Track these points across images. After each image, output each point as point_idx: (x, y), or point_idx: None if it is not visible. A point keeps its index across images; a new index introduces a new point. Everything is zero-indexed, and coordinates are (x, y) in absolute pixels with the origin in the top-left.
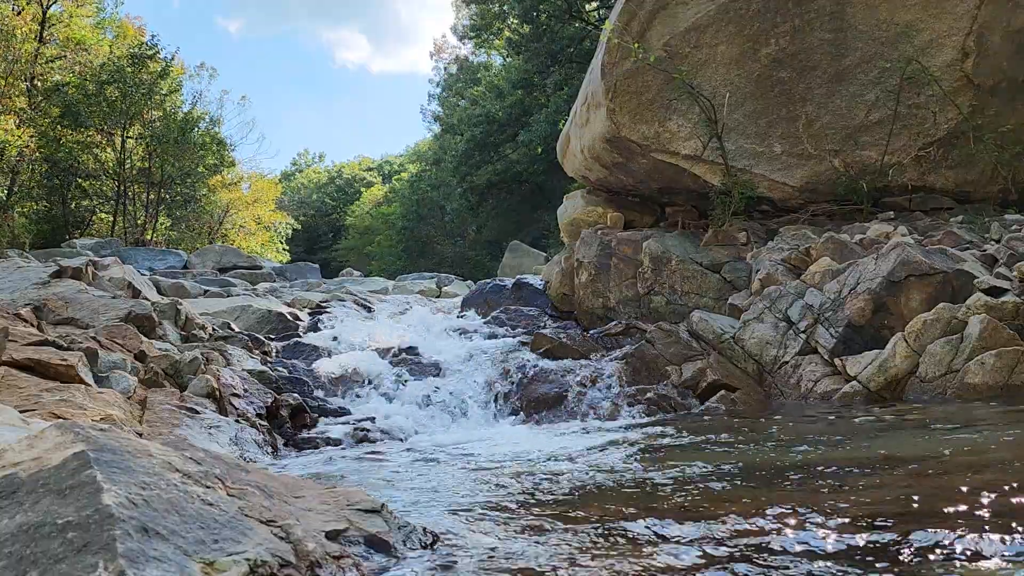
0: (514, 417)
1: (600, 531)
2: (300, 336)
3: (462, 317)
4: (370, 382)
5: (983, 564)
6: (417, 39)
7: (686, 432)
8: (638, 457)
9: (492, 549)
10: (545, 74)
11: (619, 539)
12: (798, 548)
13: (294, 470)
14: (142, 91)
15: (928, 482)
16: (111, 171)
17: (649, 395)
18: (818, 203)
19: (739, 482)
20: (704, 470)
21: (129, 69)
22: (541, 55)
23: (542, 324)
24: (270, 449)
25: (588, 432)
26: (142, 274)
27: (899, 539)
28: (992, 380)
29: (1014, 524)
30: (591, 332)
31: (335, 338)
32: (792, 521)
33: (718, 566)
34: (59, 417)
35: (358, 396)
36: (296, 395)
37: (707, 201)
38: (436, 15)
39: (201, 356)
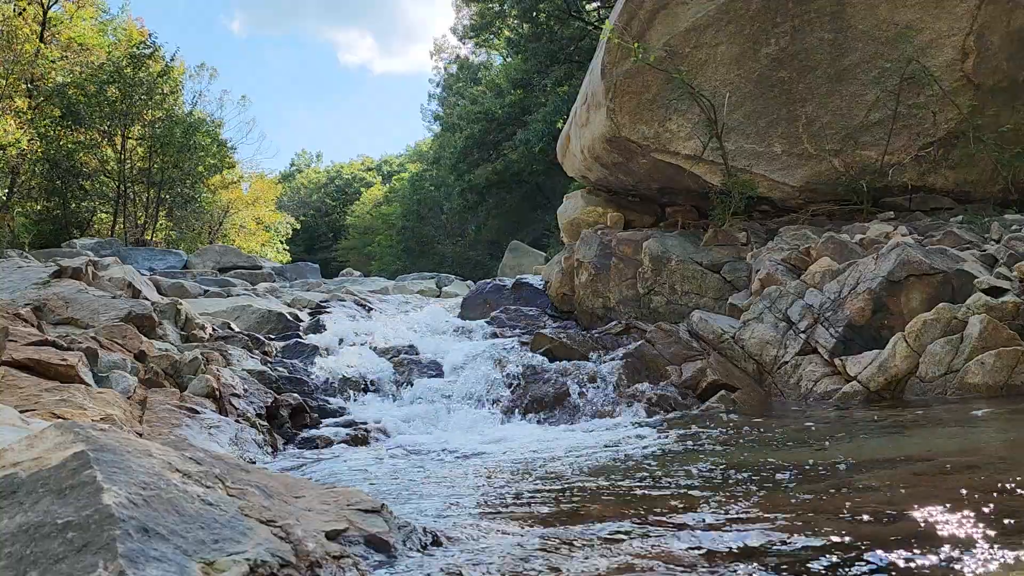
0: (513, 417)
1: (599, 530)
2: (300, 336)
3: (462, 317)
4: (370, 382)
5: (983, 564)
6: (421, 38)
7: (685, 432)
8: (638, 457)
9: (492, 548)
10: (545, 74)
11: (618, 538)
12: (797, 547)
13: (294, 470)
14: (142, 91)
15: (928, 482)
16: (111, 171)
17: (649, 395)
18: (818, 203)
19: (738, 482)
20: (703, 470)
21: (128, 69)
22: (540, 55)
23: (542, 324)
24: (270, 449)
25: (588, 432)
26: (142, 274)
27: (899, 539)
28: (992, 380)
29: (1015, 524)
30: (591, 332)
31: (335, 338)
32: (791, 520)
33: (717, 565)
34: (59, 417)
35: (358, 396)
36: (296, 395)
37: (707, 201)
38: (442, 13)
39: (201, 356)
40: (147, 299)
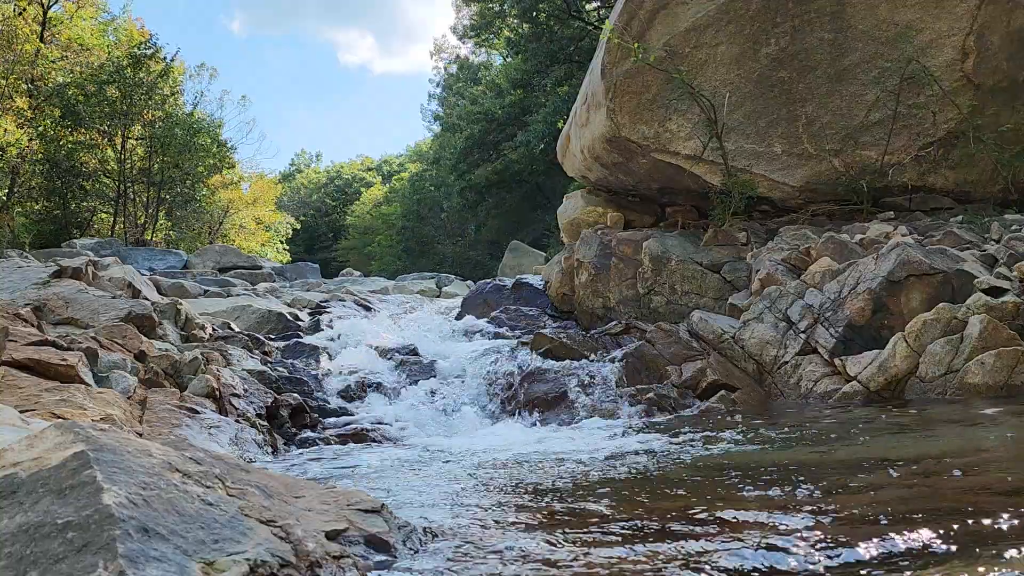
0: (514, 417)
1: (598, 530)
2: (300, 336)
3: (462, 317)
4: (370, 382)
5: (983, 565)
6: (421, 38)
7: (685, 432)
8: (638, 457)
9: (492, 548)
10: (545, 74)
11: (617, 538)
12: (797, 549)
13: (294, 470)
14: (142, 92)
15: (928, 482)
16: (111, 171)
17: (649, 395)
18: (818, 203)
19: (737, 482)
20: (703, 470)
21: (128, 69)
22: (540, 55)
23: (542, 324)
24: (270, 449)
25: (588, 432)
26: (142, 274)
27: (899, 540)
28: (992, 380)
29: (1014, 524)
30: (591, 332)
31: (335, 338)
32: (790, 521)
33: (716, 566)
34: (59, 417)
35: (358, 396)
36: (296, 395)
37: (707, 201)
38: (442, 13)
39: (201, 356)
40: (147, 299)
